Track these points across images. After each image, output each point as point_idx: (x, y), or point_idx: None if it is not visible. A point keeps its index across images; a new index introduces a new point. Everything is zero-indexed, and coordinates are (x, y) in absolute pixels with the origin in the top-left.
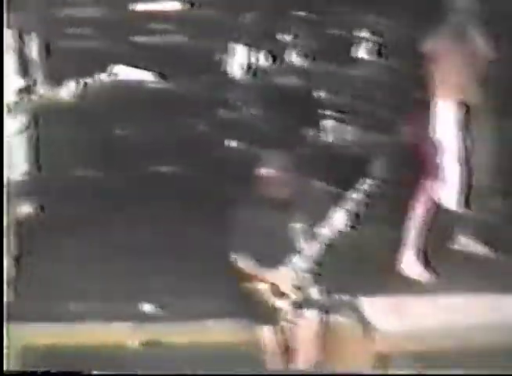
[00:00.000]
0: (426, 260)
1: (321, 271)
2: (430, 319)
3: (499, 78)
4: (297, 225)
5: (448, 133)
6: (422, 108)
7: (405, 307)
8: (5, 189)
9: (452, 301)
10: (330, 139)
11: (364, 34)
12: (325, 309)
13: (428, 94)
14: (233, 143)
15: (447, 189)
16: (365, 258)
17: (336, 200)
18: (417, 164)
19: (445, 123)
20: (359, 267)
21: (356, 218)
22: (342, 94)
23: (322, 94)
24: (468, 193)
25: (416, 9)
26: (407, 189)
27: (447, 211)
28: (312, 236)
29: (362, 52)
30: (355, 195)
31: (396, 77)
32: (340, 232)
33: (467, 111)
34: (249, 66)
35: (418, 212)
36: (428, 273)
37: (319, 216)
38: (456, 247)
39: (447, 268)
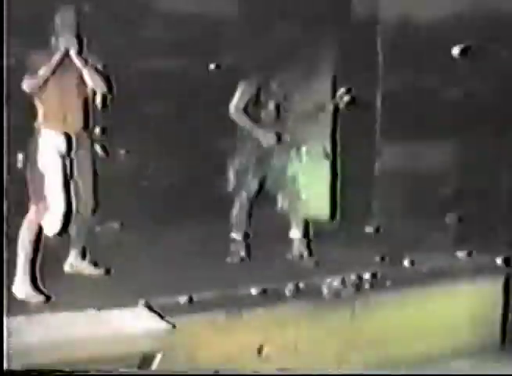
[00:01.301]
0: (36, 282)
1: None
2: (37, 337)
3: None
4: None
5: (52, 161)
6: (28, 135)
7: (18, 327)
8: None
9: (60, 318)
10: None
11: None
12: None
13: (35, 122)
14: None
15: (49, 215)
16: None
17: None
18: (23, 190)
19: (49, 151)
20: None
21: None
22: None
23: None
24: (68, 219)
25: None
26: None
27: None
28: None
29: None
30: None
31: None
32: None
33: (69, 140)
34: None
35: (25, 237)
36: (39, 295)
37: None
38: (68, 268)
39: (59, 289)
